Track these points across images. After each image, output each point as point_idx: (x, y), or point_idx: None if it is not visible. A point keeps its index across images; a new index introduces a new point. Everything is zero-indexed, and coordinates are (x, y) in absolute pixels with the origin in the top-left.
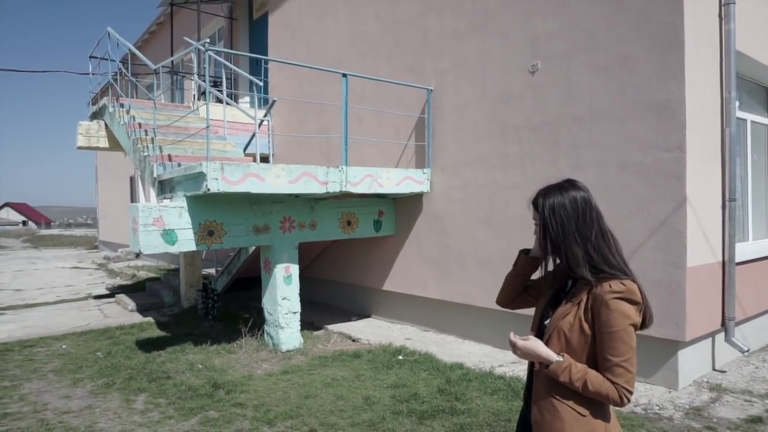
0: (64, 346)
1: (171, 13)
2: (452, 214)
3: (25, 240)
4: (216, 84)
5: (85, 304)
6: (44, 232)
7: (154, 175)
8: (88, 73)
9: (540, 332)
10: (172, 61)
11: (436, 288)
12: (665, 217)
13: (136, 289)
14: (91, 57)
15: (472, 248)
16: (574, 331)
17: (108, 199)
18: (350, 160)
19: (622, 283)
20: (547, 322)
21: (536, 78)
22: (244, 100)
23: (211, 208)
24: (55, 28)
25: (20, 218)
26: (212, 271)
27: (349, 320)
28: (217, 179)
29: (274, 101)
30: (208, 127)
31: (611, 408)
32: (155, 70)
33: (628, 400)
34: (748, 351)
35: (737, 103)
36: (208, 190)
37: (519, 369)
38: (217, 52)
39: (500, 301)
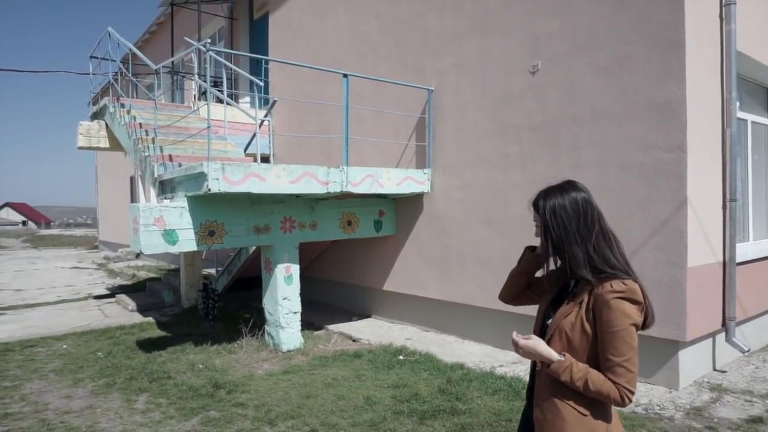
0: (64, 346)
1: (171, 13)
2: (453, 214)
3: (25, 240)
4: (216, 84)
5: (86, 304)
6: (44, 232)
7: (155, 175)
8: (88, 73)
9: (542, 332)
10: (172, 62)
11: (437, 288)
12: (666, 217)
13: (137, 289)
14: (91, 57)
15: (472, 248)
16: (575, 331)
17: (108, 199)
18: (350, 161)
19: (623, 283)
20: (549, 321)
21: (537, 78)
22: (245, 101)
23: (212, 208)
24: (55, 28)
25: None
26: (212, 271)
27: (350, 320)
28: (218, 179)
29: (274, 101)
30: (209, 127)
31: (613, 408)
32: (156, 70)
33: (630, 401)
34: (748, 351)
35: (738, 104)
36: (209, 190)
37: (519, 369)
38: (218, 53)
39: (503, 297)
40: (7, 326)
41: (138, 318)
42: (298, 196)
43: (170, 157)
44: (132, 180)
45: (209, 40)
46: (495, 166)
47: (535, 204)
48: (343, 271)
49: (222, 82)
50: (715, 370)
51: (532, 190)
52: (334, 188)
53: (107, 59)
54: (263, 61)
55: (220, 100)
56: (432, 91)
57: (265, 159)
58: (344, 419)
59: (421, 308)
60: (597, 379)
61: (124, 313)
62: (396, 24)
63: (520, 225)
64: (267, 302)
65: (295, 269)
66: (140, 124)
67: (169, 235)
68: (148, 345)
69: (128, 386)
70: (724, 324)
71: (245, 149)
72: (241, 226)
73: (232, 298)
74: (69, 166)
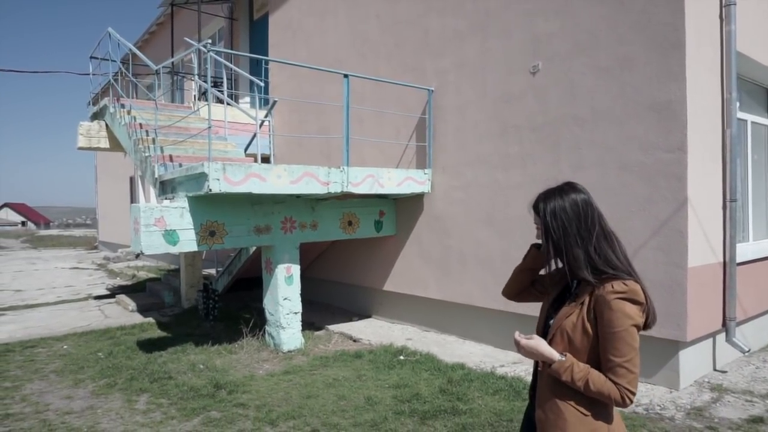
0: (65, 347)
1: (171, 14)
2: (453, 214)
3: (25, 240)
4: (216, 84)
5: (86, 304)
6: (43, 232)
7: (156, 176)
8: (88, 74)
9: (545, 332)
10: (172, 62)
11: (437, 288)
12: (666, 218)
13: (137, 290)
14: (91, 57)
15: (473, 248)
16: (576, 332)
17: (108, 200)
18: (351, 161)
19: (624, 284)
20: (551, 321)
21: (537, 78)
22: (245, 101)
23: (213, 209)
24: (55, 28)
25: (19, 218)
26: (213, 271)
27: (350, 320)
28: (218, 180)
29: (274, 102)
30: (209, 127)
31: (615, 409)
32: (156, 70)
33: (631, 401)
34: (749, 351)
35: (738, 104)
36: (210, 190)
37: (520, 369)
38: (218, 53)
39: (506, 293)
40: (8, 327)
41: (138, 318)
42: (298, 196)
43: (171, 158)
44: (132, 180)
45: (209, 41)
46: (495, 166)
47: (535, 207)
48: (343, 271)
49: (222, 82)
50: (715, 370)
51: (533, 190)
52: (335, 188)
53: (107, 59)
54: (263, 62)
55: (220, 101)
56: (432, 91)
57: (266, 159)
58: (345, 419)
59: (422, 308)
60: (598, 380)
61: (124, 313)
62: (396, 24)
63: (520, 225)
64: (267, 302)
65: (295, 269)
66: (140, 124)
67: (170, 236)
68: (149, 345)
69: (129, 387)
70: (724, 324)
71: (245, 149)
72: (241, 226)
73: (233, 299)
74: (69, 167)
